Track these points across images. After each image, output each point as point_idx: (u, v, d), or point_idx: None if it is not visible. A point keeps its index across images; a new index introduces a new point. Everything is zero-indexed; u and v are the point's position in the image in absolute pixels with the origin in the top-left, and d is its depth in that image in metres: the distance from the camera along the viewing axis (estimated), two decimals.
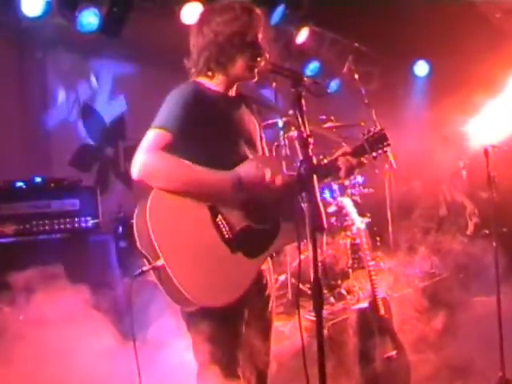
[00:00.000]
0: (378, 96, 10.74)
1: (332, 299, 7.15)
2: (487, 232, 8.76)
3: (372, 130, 4.19)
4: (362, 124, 8.33)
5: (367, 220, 7.48)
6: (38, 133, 8.26)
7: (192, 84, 3.92)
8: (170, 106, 3.76)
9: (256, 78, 3.97)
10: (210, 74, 3.92)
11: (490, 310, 6.16)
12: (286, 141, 7.40)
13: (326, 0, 9.64)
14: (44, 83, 8.45)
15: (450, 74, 11.02)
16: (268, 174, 3.78)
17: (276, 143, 7.54)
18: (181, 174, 3.65)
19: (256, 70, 3.91)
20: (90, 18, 7.97)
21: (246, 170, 3.78)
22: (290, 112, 6.98)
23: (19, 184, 6.64)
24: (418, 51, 12.24)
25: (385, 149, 4.16)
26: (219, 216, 3.70)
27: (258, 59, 3.85)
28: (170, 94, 3.82)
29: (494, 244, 6.12)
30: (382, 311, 5.73)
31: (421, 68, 13.10)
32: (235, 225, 3.75)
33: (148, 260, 3.58)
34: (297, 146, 7.52)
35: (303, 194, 3.43)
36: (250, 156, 3.93)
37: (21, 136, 8.02)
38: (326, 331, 6.29)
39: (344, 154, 4.09)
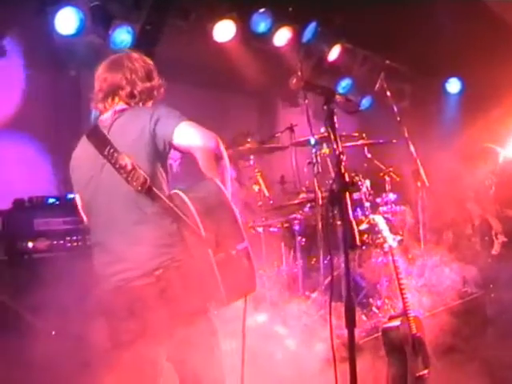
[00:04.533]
0: (409, 113, 10.73)
1: (363, 317, 7.09)
2: None
3: None
4: (394, 141, 8.30)
5: (399, 238, 7.43)
6: (71, 149, 8.32)
7: None
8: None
9: None
10: None
11: None
12: (319, 158, 7.38)
13: (357, 17, 9.63)
14: (78, 100, 8.51)
15: (482, 91, 11.00)
16: None
17: (308, 160, 7.53)
18: None
19: None
20: (123, 36, 8.02)
21: None
22: (322, 129, 7.04)
23: (52, 200, 6.68)
24: (450, 68, 12.22)
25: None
26: None
27: None
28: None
29: None
30: (414, 330, 5.68)
31: (453, 85, 13.09)
32: None
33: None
34: (329, 163, 7.52)
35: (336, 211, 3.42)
36: None
37: (55, 153, 8.08)
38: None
39: None
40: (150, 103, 4.18)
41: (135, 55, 4.24)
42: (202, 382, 3.82)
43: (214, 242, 3.63)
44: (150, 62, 4.26)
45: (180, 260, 3.72)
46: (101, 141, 3.92)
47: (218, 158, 3.82)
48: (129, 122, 3.98)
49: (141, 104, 4.13)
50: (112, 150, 3.83)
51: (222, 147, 3.85)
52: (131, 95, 4.09)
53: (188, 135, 3.81)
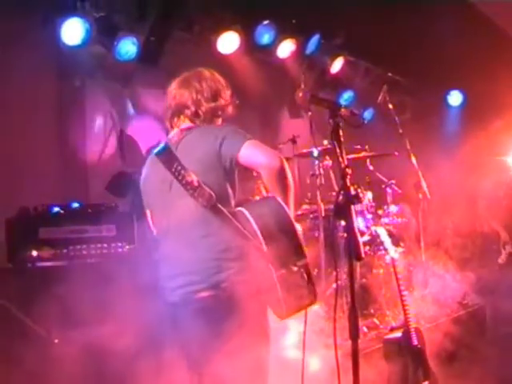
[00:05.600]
0: (411, 125, 10.77)
1: (365, 328, 7.12)
2: None
3: None
4: (396, 153, 8.35)
5: (401, 250, 7.48)
6: (75, 159, 8.34)
7: None
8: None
9: None
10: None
11: None
12: (321, 170, 7.44)
13: (360, 30, 9.69)
14: (82, 110, 8.56)
15: (483, 104, 11.05)
16: None
17: (311, 172, 7.58)
18: None
19: None
20: (128, 47, 8.10)
21: None
22: (325, 142, 7.10)
23: (57, 209, 6.71)
24: (452, 81, 12.27)
25: None
26: None
27: None
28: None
29: None
30: (415, 341, 5.72)
31: (454, 98, 13.14)
32: None
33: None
34: (331, 175, 7.56)
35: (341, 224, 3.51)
36: None
37: (59, 162, 8.12)
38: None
39: None
40: (218, 121, 4.37)
41: (206, 74, 4.43)
42: None
43: (275, 259, 3.77)
44: (220, 80, 4.45)
45: (245, 274, 3.87)
46: (169, 158, 4.09)
47: (281, 176, 3.95)
48: (195, 140, 4.15)
49: (205, 123, 4.29)
50: (179, 167, 3.99)
51: (287, 166, 3.98)
52: (196, 114, 4.28)
53: (253, 154, 3.98)
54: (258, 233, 3.79)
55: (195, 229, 3.99)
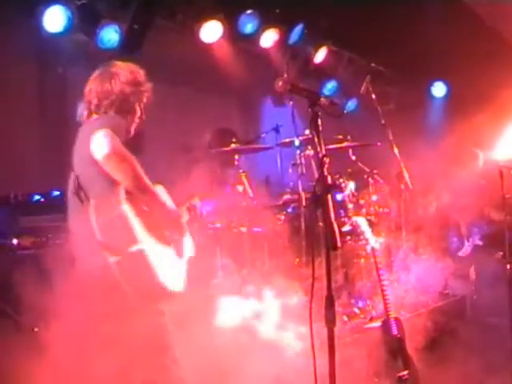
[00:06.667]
0: (395, 116, 10.78)
1: (345, 318, 7.14)
2: (501, 253, 8.74)
3: None
4: (379, 144, 8.36)
5: (382, 239, 7.48)
6: (57, 147, 8.31)
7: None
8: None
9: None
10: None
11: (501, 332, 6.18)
12: (303, 159, 7.45)
13: (344, 20, 9.68)
14: (64, 98, 8.52)
15: (467, 95, 11.07)
16: None
17: (292, 162, 7.59)
18: None
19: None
20: (110, 35, 8.07)
21: None
22: (306, 131, 7.10)
23: (37, 197, 6.69)
24: (436, 72, 12.29)
25: None
26: None
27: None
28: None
29: (508, 266, 6.13)
30: (395, 331, 5.74)
31: (438, 89, 13.16)
32: None
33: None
34: (313, 165, 7.57)
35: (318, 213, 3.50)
36: None
37: (40, 149, 8.09)
38: None
39: None
40: (127, 109, 4.45)
41: (109, 68, 4.54)
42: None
43: (108, 247, 3.90)
44: (119, 71, 4.50)
45: (111, 260, 3.94)
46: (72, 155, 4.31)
47: (111, 166, 3.93)
48: (81, 135, 4.28)
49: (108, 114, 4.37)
50: (72, 165, 4.25)
51: (121, 157, 3.92)
52: (97, 108, 4.37)
53: (93, 146, 3.92)
54: (94, 222, 3.91)
55: (77, 221, 4.19)
